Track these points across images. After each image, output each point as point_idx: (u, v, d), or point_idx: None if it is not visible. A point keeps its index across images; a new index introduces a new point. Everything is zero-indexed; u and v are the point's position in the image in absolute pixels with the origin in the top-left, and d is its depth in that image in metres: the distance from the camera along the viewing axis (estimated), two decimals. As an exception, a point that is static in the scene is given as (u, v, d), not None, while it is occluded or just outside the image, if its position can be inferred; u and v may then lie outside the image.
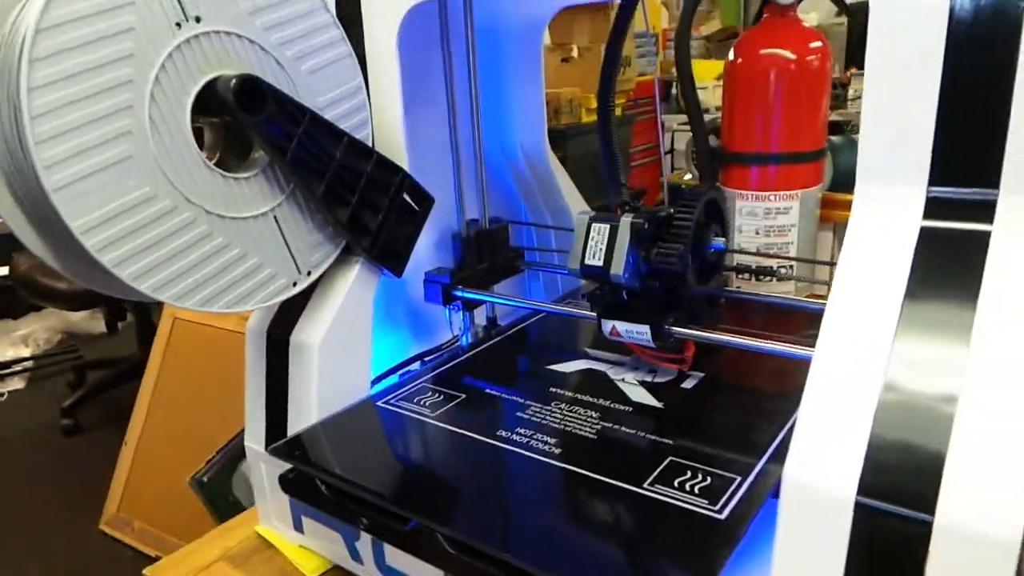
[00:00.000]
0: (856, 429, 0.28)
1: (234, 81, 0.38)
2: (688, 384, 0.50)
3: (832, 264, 0.89)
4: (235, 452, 1.50)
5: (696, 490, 0.37)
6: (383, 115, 0.49)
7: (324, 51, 0.45)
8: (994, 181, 0.30)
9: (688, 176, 1.23)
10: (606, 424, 0.45)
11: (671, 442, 0.42)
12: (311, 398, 0.47)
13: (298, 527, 0.50)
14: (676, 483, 0.38)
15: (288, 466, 0.44)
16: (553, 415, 0.46)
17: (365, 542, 0.46)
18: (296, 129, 0.42)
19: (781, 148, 0.82)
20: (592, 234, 0.47)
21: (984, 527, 0.25)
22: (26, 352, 2.89)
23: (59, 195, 0.33)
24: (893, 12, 0.30)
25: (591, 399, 0.48)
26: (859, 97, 1.25)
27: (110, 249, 0.35)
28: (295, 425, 0.48)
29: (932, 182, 0.31)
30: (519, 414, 0.47)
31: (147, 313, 2.40)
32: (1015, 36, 0.28)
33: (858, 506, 0.27)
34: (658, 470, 0.39)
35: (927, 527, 0.26)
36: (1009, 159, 0.29)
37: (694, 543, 0.34)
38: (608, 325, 0.49)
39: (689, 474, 0.38)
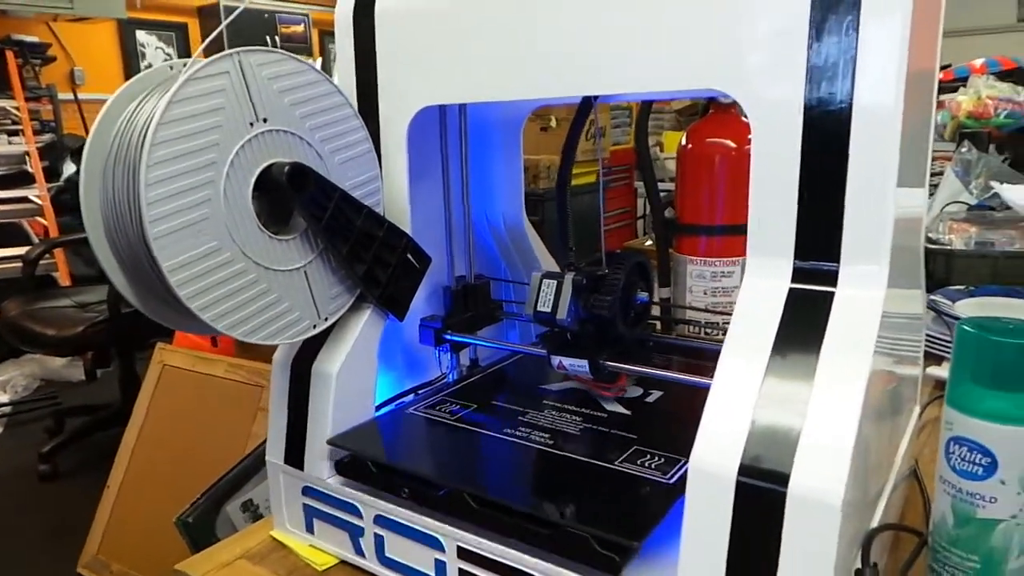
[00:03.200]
0: (738, 431, 0.40)
1: (287, 167, 0.50)
2: (651, 399, 0.65)
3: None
4: (220, 494, 1.55)
5: (653, 466, 0.51)
6: (392, 189, 0.62)
7: (352, 147, 0.58)
8: (836, 256, 0.42)
9: (649, 242, 1.37)
10: (587, 425, 0.59)
11: (636, 436, 0.56)
12: (328, 418, 0.57)
13: (309, 529, 0.60)
14: (639, 462, 0.52)
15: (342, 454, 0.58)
16: (545, 419, 0.60)
17: (368, 538, 0.55)
18: (329, 203, 0.53)
19: (725, 220, 0.96)
20: (543, 288, 0.60)
21: (818, 495, 0.36)
22: (4, 398, 2.90)
23: (157, 242, 0.44)
24: (764, 125, 0.43)
25: (575, 408, 0.62)
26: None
27: (187, 285, 0.46)
28: (312, 441, 0.58)
29: (797, 257, 0.43)
30: (519, 418, 0.60)
31: (131, 361, 2.45)
32: (845, 131, 0.41)
33: (739, 484, 0.39)
34: (626, 454, 0.53)
35: (783, 496, 0.37)
36: (845, 239, 0.42)
37: (650, 497, 0.48)
38: (556, 360, 0.61)
39: (649, 456, 0.53)
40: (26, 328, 2.28)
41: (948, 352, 0.90)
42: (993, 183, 1.43)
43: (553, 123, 3.21)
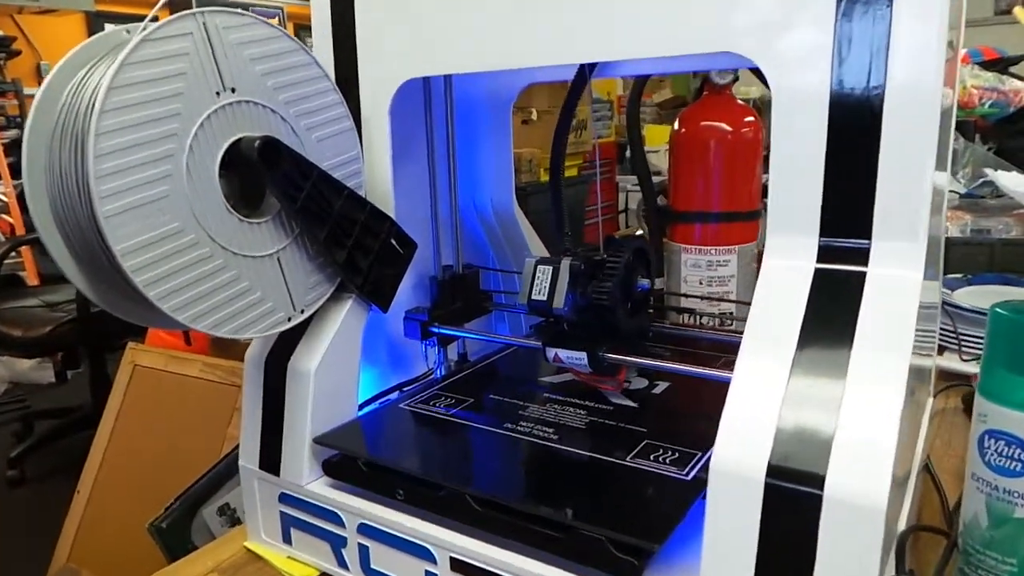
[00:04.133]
0: (765, 427, 0.36)
1: (258, 141, 0.45)
2: (657, 391, 0.60)
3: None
4: (195, 498, 1.49)
5: (667, 461, 0.47)
6: (374, 170, 0.57)
7: (331, 124, 0.53)
8: (868, 233, 0.38)
9: (639, 232, 1.34)
10: (593, 419, 0.55)
11: (645, 430, 0.52)
12: (306, 419, 0.52)
13: (287, 539, 0.55)
14: (652, 457, 0.48)
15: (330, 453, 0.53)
16: (548, 413, 0.56)
17: (352, 548, 0.51)
18: (305, 183, 0.49)
19: (720, 208, 0.93)
20: (537, 274, 0.56)
21: (859, 498, 0.33)
22: (-30, 402, 2.80)
23: (108, 222, 0.39)
24: (787, 96, 0.39)
25: (578, 401, 0.58)
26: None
27: (143, 271, 0.41)
28: (289, 444, 0.53)
29: (823, 234, 0.39)
30: (520, 412, 0.56)
31: (101, 362, 2.38)
32: (878, 112, 0.37)
33: (767, 486, 0.35)
34: (637, 448, 0.49)
35: (818, 499, 0.33)
36: (877, 215, 0.38)
37: (668, 495, 0.44)
38: (551, 352, 0.57)
39: (661, 451, 0.49)
40: (-9, 329, 2.20)
41: (950, 342, 0.87)
42: (987, 170, 1.42)
43: (534, 115, 3.17)
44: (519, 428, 0.53)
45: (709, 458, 0.45)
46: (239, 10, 0.47)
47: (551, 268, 0.56)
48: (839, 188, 0.38)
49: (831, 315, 0.38)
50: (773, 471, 0.34)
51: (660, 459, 0.47)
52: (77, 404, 2.52)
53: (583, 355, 0.55)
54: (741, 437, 0.36)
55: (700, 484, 0.43)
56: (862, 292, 0.38)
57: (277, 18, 4.61)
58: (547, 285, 0.55)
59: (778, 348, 0.37)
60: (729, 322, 0.94)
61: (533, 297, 0.56)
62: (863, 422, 0.34)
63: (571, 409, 0.56)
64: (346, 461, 0.52)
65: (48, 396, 2.83)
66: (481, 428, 0.54)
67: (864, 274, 0.38)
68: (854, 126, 0.38)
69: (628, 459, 0.48)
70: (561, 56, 0.46)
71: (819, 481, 0.34)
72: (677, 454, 0.48)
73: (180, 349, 1.77)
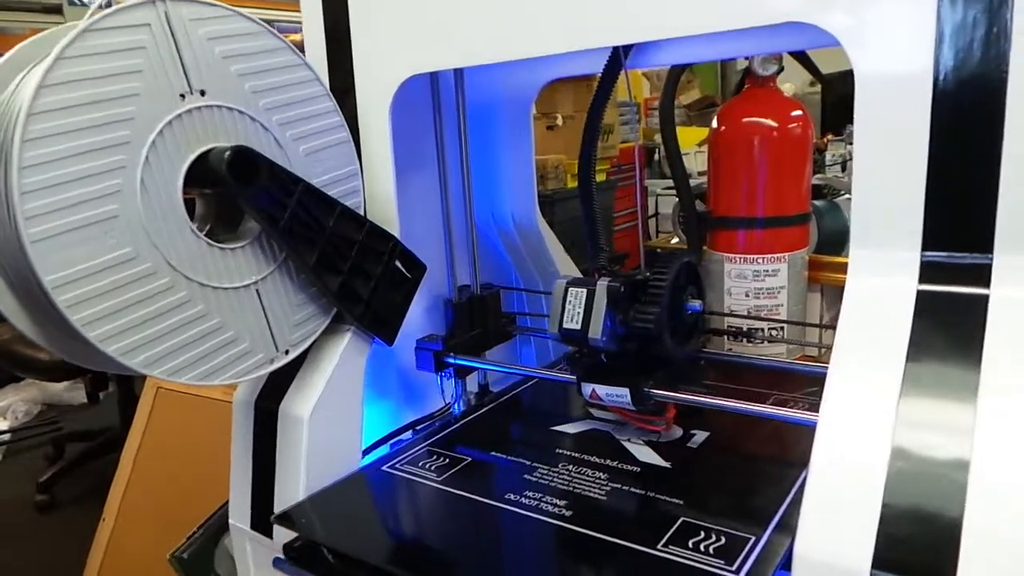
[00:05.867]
0: (867, 499, 0.27)
1: (228, 152, 0.38)
2: (694, 443, 0.50)
3: (821, 326, 0.90)
4: (217, 526, 1.44)
5: (711, 550, 0.37)
6: (375, 183, 0.50)
7: (322, 135, 0.46)
8: (988, 245, 0.30)
9: (675, 240, 1.25)
10: (615, 485, 0.45)
11: (681, 502, 0.42)
12: (299, 472, 0.45)
13: (285, 609, 0.48)
14: (691, 543, 0.38)
15: (291, 536, 0.43)
16: (560, 477, 0.46)
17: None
18: (289, 199, 0.42)
19: (767, 212, 0.84)
20: (569, 298, 0.48)
21: (1006, 602, 0.24)
22: (3, 425, 2.81)
23: (36, 247, 0.33)
24: (878, 82, 0.31)
25: (598, 460, 0.48)
26: (836, 163, 1.28)
27: (81, 308, 0.34)
28: (281, 501, 0.46)
29: (926, 247, 0.31)
30: (526, 476, 0.46)
31: (129, 383, 2.36)
32: (999, 100, 0.29)
33: (873, 582, 0.26)
34: (671, 530, 0.39)
35: (947, 604, 0.25)
36: (1000, 223, 0.29)
37: None
38: (588, 388, 0.49)
39: (703, 534, 0.38)
40: (18, 353, 2.19)
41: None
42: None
43: (559, 121, 3.09)
44: (524, 500, 0.43)
45: (767, 545, 0.37)
46: (211, 1, 0.40)
47: (585, 291, 0.47)
48: (947, 190, 0.30)
49: (945, 352, 0.29)
50: (882, 563, 0.26)
51: (701, 547, 0.37)
52: (107, 426, 2.51)
53: (625, 392, 0.47)
54: (834, 513, 0.28)
55: None
56: (985, 321, 0.29)
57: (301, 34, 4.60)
58: (581, 311, 0.47)
59: (876, 391, 0.29)
60: (779, 334, 0.85)
61: (565, 325, 0.47)
62: (1003, 498, 0.25)
63: (588, 471, 0.46)
64: (311, 547, 0.42)
65: (80, 418, 2.83)
66: (478, 501, 0.44)
67: (986, 297, 0.29)
68: (967, 115, 0.29)
69: (659, 547, 0.38)
70: (594, 38, 0.38)
71: (945, 578, 0.25)
72: (723, 539, 0.38)
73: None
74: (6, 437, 2.71)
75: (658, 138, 2.66)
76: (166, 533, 1.47)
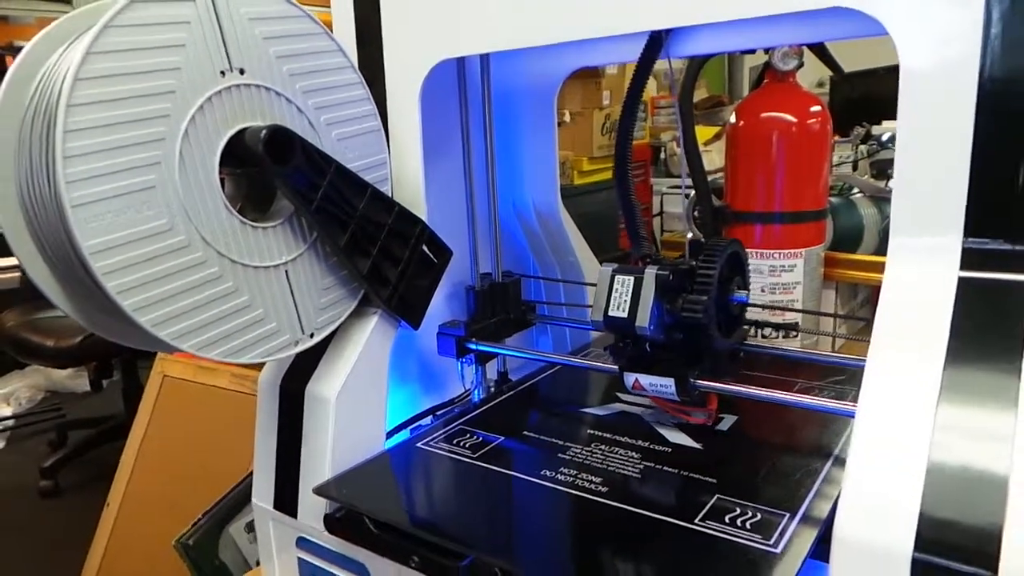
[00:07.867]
0: (909, 482, 0.27)
1: (264, 131, 0.38)
2: (723, 426, 0.50)
3: (835, 316, 0.90)
4: (223, 514, 1.44)
5: (748, 526, 0.37)
6: (403, 167, 0.50)
7: (355, 122, 0.46)
8: (1030, 232, 0.30)
9: (689, 235, 1.25)
10: (648, 464, 0.45)
11: (715, 481, 0.43)
12: (326, 453, 0.45)
13: (306, 590, 0.48)
14: (727, 519, 0.38)
15: (320, 512, 0.44)
16: (594, 456, 0.47)
17: (379, 603, 0.44)
18: (322, 180, 0.42)
19: (785, 207, 0.84)
20: (616, 286, 0.47)
21: (1051, 584, 0.24)
22: (7, 411, 2.82)
23: (76, 212, 0.32)
24: (923, 67, 0.31)
25: (631, 440, 0.49)
26: (841, 164, 1.27)
27: (116, 275, 0.34)
28: (307, 481, 0.46)
29: (968, 233, 0.31)
30: (560, 455, 0.47)
31: (133, 371, 2.36)
32: None
33: (915, 562, 0.26)
34: (707, 507, 0.40)
35: (990, 585, 0.25)
36: (1045, 210, 0.29)
37: (750, 573, 0.34)
38: (631, 378, 0.48)
39: (738, 510, 0.39)
40: (25, 339, 2.19)
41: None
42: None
43: (567, 117, 3.09)
44: (560, 476, 0.44)
45: (801, 522, 0.37)
46: (249, -20, 0.40)
47: (632, 279, 0.47)
48: (992, 175, 0.30)
49: (987, 337, 0.29)
50: (924, 544, 0.26)
51: (738, 522, 0.38)
52: (111, 413, 2.51)
53: (670, 382, 0.47)
54: (875, 495, 0.28)
55: (792, 559, 0.34)
56: (1027, 307, 0.29)
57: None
58: (628, 299, 0.46)
59: (917, 379, 0.29)
60: (794, 335, 0.85)
61: (610, 313, 0.47)
62: (1047, 481, 0.26)
63: (621, 451, 0.47)
64: (352, 517, 0.43)
65: (83, 405, 2.83)
66: (515, 476, 0.45)
67: (1029, 284, 0.30)
68: (1013, 102, 0.29)
69: (696, 522, 0.38)
70: (636, 21, 0.38)
71: (988, 560, 0.25)
72: (758, 515, 0.38)
73: (208, 360, 1.73)
74: (10, 423, 2.72)
75: (664, 136, 2.65)
76: (170, 520, 1.47)
